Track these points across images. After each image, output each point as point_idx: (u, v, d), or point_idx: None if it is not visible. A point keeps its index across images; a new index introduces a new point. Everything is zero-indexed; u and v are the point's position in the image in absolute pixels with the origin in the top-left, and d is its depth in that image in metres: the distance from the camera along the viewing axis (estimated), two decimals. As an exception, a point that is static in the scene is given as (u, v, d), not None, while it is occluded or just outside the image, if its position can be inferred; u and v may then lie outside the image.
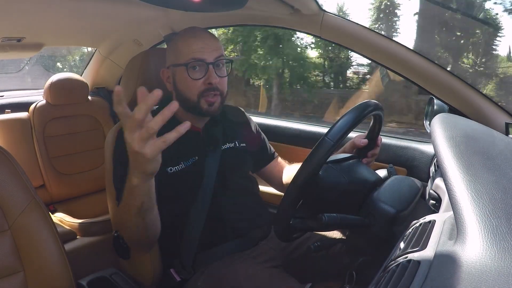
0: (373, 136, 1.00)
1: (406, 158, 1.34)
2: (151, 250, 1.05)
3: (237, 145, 1.15)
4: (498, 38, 9.05)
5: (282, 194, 0.78)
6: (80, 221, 1.65)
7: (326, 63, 10.15)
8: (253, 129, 1.25)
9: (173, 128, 1.05)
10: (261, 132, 1.29)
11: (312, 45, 9.96)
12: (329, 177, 0.78)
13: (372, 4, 10.79)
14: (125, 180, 0.83)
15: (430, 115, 1.12)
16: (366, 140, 0.99)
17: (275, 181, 1.26)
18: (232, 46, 9.82)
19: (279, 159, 1.29)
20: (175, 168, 1.01)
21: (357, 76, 9.98)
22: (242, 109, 1.29)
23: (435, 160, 1.11)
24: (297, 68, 9.58)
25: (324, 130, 1.58)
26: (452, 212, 0.47)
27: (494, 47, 9.19)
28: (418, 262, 0.43)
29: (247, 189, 1.15)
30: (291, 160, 1.29)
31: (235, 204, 1.08)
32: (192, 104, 1.01)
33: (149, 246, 0.98)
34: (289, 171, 1.23)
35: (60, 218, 1.70)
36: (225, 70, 1.04)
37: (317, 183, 0.80)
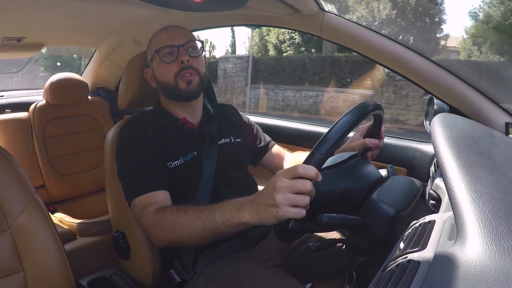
0: (374, 133, 1.00)
1: (406, 158, 1.34)
2: (152, 250, 1.05)
3: (232, 140, 1.17)
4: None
5: None
6: (80, 221, 1.65)
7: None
8: (246, 123, 1.28)
9: (172, 125, 1.08)
10: (255, 124, 1.31)
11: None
12: (322, 186, 0.77)
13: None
14: (146, 169, 0.95)
15: (430, 115, 1.12)
16: (377, 140, 0.99)
17: (277, 169, 1.27)
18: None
19: (277, 147, 1.30)
20: (175, 163, 1.03)
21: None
22: (234, 106, 1.32)
23: (435, 160, 1.11)
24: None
25: (324, 130, 1.58)
26: (452, 212, 0.47)
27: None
28: (418, 262, 0.43)
29: (246, 187, 1.15)
30: None
31: None
32: (172, 88, 1.05)
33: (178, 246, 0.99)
34: (291, 158, 1.24)
35: (60, 218, 1.70)
36: (198, 51, 1.09)
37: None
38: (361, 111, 0.78)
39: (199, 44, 1.09)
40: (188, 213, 0.86)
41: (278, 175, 0.73)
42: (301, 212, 0.71)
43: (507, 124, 1.01)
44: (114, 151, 1.09)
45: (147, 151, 1.00)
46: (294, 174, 0.71)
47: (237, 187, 1.10)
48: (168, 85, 1.05)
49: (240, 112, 1.31)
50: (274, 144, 1.30)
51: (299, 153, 1.22)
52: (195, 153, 1.06)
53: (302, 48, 12.44)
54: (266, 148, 1.28)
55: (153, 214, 0.91)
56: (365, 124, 1.04)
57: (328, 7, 1.16)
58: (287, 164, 1.24)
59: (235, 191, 1.09)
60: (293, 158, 1.24)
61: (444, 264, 0.39)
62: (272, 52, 13.31)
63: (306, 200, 0.70)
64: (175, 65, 1.03)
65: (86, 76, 2.12)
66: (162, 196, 0.96)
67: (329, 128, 0.76)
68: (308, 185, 0.70)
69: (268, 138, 1.31)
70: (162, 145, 1.03)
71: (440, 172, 0.62)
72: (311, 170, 0.70)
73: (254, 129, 1.29)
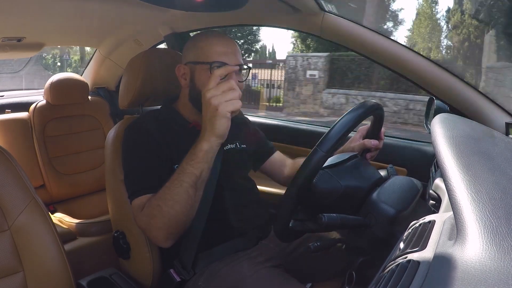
0: (374, 134, 1.00)
1: (406, 158, 1.34)
2: (152, 250, 1.05)
3: (238, 146, 1.16)
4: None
5: (282, 193, 0.77)
6: (79, 221, 1.65)
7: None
8: (251, 129, 1.28)
9: (181, 127, 1.07)
10: (259, 130, 1.32)
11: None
12: (323, 184, 0.77)
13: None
14: (150, 169, 0.96)
15: (430, 115, 1.12)
16: (376, 141, 1.00)
17: (277, 175, 1.28)
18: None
19: (279, 153, 1.30)
20: None
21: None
22: (240, 110, 1.30)
23: (435, 160, 1.11)
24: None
25: (324, 130, 1.58)
26: (452, 212, 0.47)
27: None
28: (417, 262, 0.43)
29: (247, 189, 1.16)
30: None
31: (235, 203, 1.08)
32: None
33: (176, 235, 0.97)
34: (291, 164, 1.24)
35: (60, 218, 1.70)
36: (243, 77, 1.06)
37: (312, 191, 0.79)
38: (363, 110, 0.78)
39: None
40: (164, 186, 0.90)
41: (205, 90, 0.84)
42: (237, 103, 0.83)
43: (507, 124, 1.00)
44: (114, 151, 1.09)
45: (150, 151, 1.00)
46: (215, 76, 0.84)
47: (239, 191, 1.11)
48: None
49: (245, 116, 1.31)
50: (276, 150, 1.31)
51: (300, 159, 1.22)
52: None
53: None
54: (268, 154, 1.28)
55: (143, 212, 0.92)
56: (365, 126, 1.04)
57: (328, 7, 1.16)
58: (288, 170, 1.24)
59: (237, 195, 1.09)
60: (294, 164, 1.24)
61: (444, 264, 0.39)
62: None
63: (235, 94, 0.83)
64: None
65: (86, 76, 2.13)
66: None
67: (329, 128, 0.76)
68: (231, 81, 0.83)
69: (270, 145, 1.31)
70: (169, 146, 1.02)
71: (440, 172, 0.62)
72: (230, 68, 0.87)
73: (258, 135, 1.29)
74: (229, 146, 1.13)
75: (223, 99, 0.81)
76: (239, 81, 1.02)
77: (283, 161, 1.28)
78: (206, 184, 1.04)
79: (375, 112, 0.86)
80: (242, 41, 16.34)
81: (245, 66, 1.05)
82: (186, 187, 0.86)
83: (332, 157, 0.89)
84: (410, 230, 0.58)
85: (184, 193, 0.86)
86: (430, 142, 1.09)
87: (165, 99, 1.17)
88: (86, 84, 1.95)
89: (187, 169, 0.86)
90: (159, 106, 1.20)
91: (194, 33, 1.67)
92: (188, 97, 1.08)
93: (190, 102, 1.08)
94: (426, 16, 14.79)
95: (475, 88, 1.05)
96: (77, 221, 1.65)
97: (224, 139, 0.87)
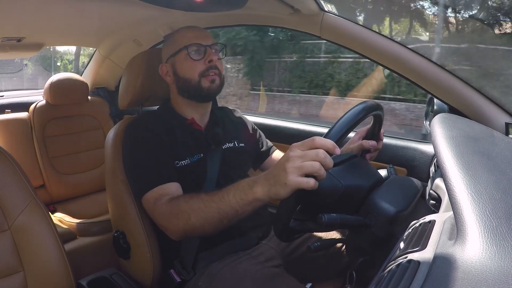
0: (374, 134, 1.00)
1: (406, 158, 1.34)
2: (152, 250, 1.05)
3: (236, 145, 1.17)
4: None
5: None
6: (80, 221, 1.65)
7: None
8: (249, 128, 1.28)
9: (179, 124, 1.08)
10: (257, 129, 1.32)
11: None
12: (324, 184, 0.77)
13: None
14: (158, 162, 0.96)
15: (430, 115, 1.12)
16: (374, 142, 0.99)
17: None
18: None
19: (278, 152, 1.31)
20: (182, 163, 1.03)
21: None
22: (239, 110, 1.32)
23: (435, 160, 1.11)
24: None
25: (324, 130, 1.58)
26: (452, 212, 0.47)
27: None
28: (418, 262, 0.43)
29: None
30: None
31: None
32: (194, 86, 1.06)
33: (190, 237, 0.98)
34: None
35: (60, 218, 1.70)
36: (221, 54, 1.13)
37: (312, 191, 0.79)
38: (362, 110, 0.78)
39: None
40: (201, 198, 0.85)
41: (293, 146, 0.70)
42: (308, 182, 0.67)
43: (507, 124, 1.00)
44: (114, 151, 1.09)
45: (156, 146, 1.01)
46: (310, 145, 0.68)
47: None
48: (191, 81, 1.06)
49: (243, 116, 1.32)
50: (276, 149, 1.31)
51: None
52: (201, 155, 1.06)
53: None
54: (268, 152, 1.29)
55: (166, 205, 0.91)
56: (364, 128, 1.04)
57: (328, 7, 1.16)
58: None
59: None
60: None
61: (444, 264, 0.39)
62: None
63: (315, 166, 0.66)
64: (202, 63, 1.05)
65: (86, 76, 2.12)
66: (174, 188, 0.96)
67: (329, 128, 0.76)
68: (320, 153, 0.67)
69: (270, 143, 1.32)
70: (170, 143, 1.03)
71: (440, 172, 0.62)
72: (328, 142, 0.68)
73: (257, 134, 1.30)
74: (227, 145, 1.14)
75: (300, 171, 0.67)
76: (218, 59, 1.07)
77: None
78: (205, 185, 1.04)
79: (376, 112, 0.86)
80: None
81: (221, 45, 1.11)
82: (222, 216, 0.81)
83: (332, 157, 0.89)
84: (410, 230, 0.58)
85: (218, 220, 0.82)
86: (430, 142, 1.09)
87: (163, 99, 1.18)
88: (86, 84, 1.95)
89: (231, 202, 0.79)
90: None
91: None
92: (177, 91, 1.10)
93: (181, 95, 1.10)
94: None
95: (475, 88, 1.05)
96: (77, 221, 1.65)
97: (276, 199, 0.74)
